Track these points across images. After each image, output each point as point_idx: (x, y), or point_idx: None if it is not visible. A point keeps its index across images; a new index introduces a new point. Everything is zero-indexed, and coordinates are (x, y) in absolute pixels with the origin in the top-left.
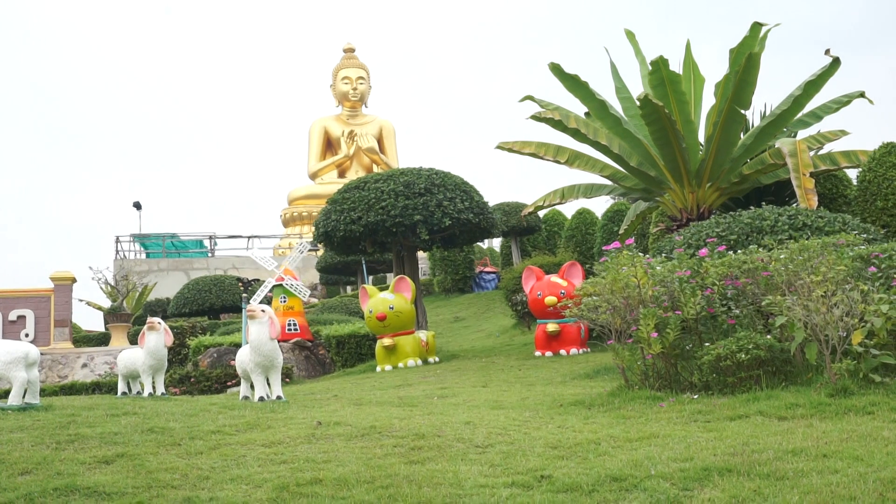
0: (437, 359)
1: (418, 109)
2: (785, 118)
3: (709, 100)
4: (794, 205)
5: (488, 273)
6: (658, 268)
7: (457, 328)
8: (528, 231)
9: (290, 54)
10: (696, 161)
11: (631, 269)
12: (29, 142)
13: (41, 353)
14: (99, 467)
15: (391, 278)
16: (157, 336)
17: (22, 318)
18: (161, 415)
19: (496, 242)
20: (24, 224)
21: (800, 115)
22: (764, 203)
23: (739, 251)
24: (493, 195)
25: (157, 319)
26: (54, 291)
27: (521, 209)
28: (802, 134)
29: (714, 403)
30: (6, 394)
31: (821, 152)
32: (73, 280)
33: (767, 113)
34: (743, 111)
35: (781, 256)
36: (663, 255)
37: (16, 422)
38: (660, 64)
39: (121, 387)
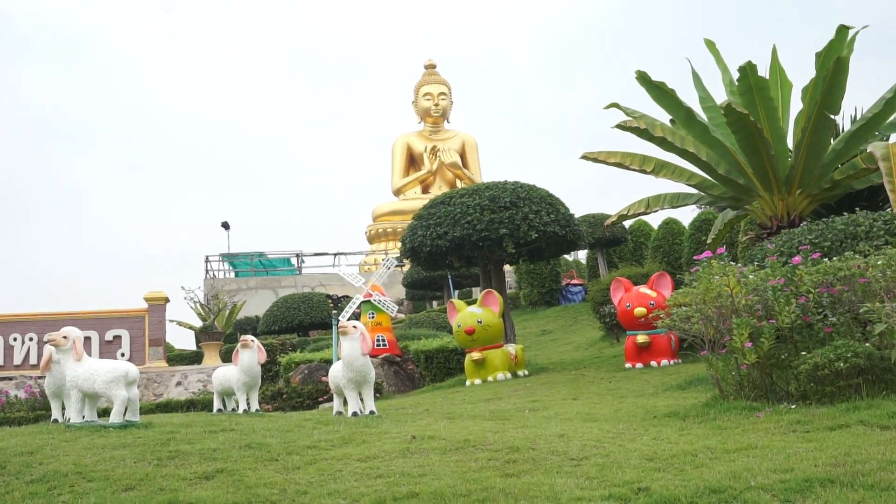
0: (526, 372)
1: (499, 123)
2: (876, 122)
3: (796, 105)
4: (889, 209)
5: (575, 285)
6: (751, 276)
7: (544, 341)
8: (615, 242)
9: (373, 72)
10: (786, 168)
11: (723, 279)
12: (121, 167)
13: None
14: (200, 483)
15: (477, 292)
16: (251, 353)
17: (118, 338)
18: (257, 431)
19: (582, 254)
20: (117, 246)
21: (892, 118)
22: (857, 209)
23: (834, 258)
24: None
25: (250, 337)
26: (148, 311)
27: (606, 220)
28: (895, 137)
29: (813, 413)
30: (107, 412)
31: None
32: (167, 300)
33: (858, 117)
34: (833, 116)
35: (879, 262)
36: (755, 263)
37: (118, 439)
38: (748, 70)
39: (216, 404)
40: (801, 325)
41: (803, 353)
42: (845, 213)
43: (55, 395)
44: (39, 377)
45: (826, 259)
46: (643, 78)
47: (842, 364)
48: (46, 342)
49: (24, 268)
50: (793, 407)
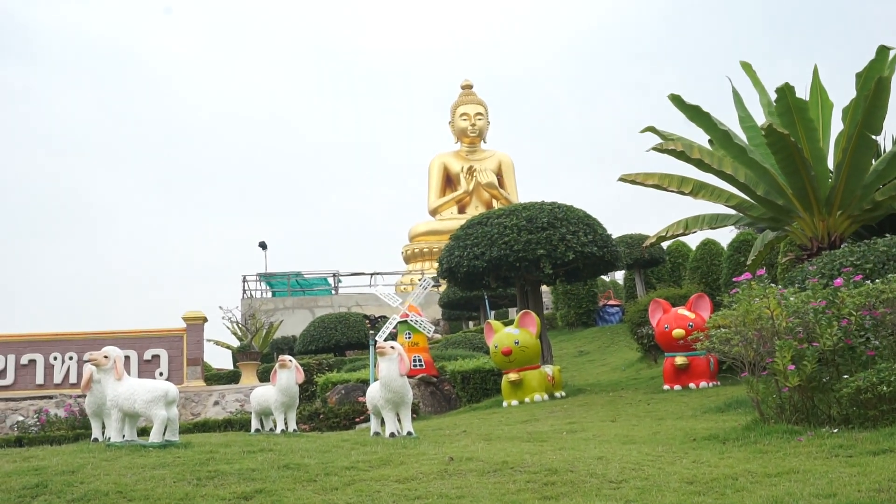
0: (563, 393)
1: (535, 143)
2: None
3: (837, 125)
4: None
5: (612, 306)
6: (791, 299)
7: (581, 362)
8: (652, 263)
9: (411, 91)
10: (826, 189)
11: (763, 301)
12: (158, 184)
13: None
14: (239, 503)
15: (513, 313)
16: (289, 373)
17: (156, 357)
18: (296, 451)
19: (619, 275)
20: (155, 266)
21: None
22: None
23: (877, 280)
24: (615, 227)
25: (288, 357)
26: (186, 331)
27: (644, 241)
28: None
29: (855, 437)
30: (146, 431)
31: None
32: (205, 319)
33: None
34: (874, 136)
35: None
36: (795, 285)
37: (157, 458)
38: (786, 91)
39: (254, 424)
40: (844, 348)
41: (845, 376)
42: (887, 235)
43: (95, 415)
44: (80, 396)
45: (868, 281)
46: (677, 100)
47: (885, 388)
48: (87, 361)
49: (63, 287)
50: (835, 431)
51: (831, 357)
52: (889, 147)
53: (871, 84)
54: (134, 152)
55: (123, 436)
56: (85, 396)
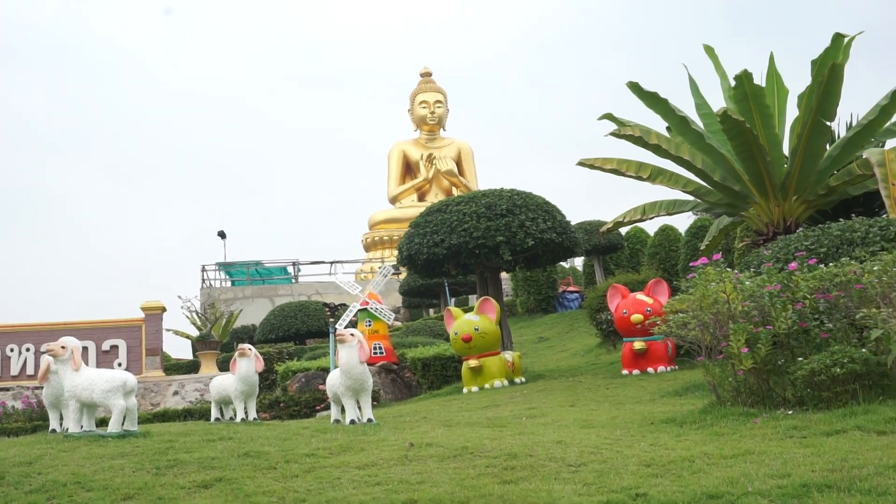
0: (523, 379)
1: (494, 130)
2: (872, 128)
3: (793, 112)
4: (885, 215)
5: (571, 292)
6: (747, 283)
7: (541, 348)
8: (611, 249)
9: (369, 79)
10: (782, 174)
11: (720, 285)
12: (115, 174)
13: None
14: (198, 492)
15: (473, 300)
16: (249, 362)
17: (115, 347)
18: (256, 439)
19: (578, 261)
20: (113, 256)
21: (887, 124)
22: (853, 215)
23: (830, 264)
24: (573, 214)
25: (247, 346)
26: (145, 321)
27: (602, 227)
28: (890, 143)
29: (809, 419)
30: (105, 421)
31: None
32: (164, 309)
33: (854, 123)
34: (828, 123)
35: (875, 268)
36: (751, 269)
37: (116, 448)
38: (743, 78)
39: (214, 413)
40: (798, 331)
41: (800, 358)
42: (841, 220)
43: (53, 406)
44: (37, 387)
45: (822, 265)
46: (635, 87)
47: (838, 370)
48: (44, 352)
49: (18, 278)
50: (790, 413)
51: (786, 340)
52: (843, 133)
53: (825, 71)
54: (86, 140)
55: (81, 426)
56: (42, 388)
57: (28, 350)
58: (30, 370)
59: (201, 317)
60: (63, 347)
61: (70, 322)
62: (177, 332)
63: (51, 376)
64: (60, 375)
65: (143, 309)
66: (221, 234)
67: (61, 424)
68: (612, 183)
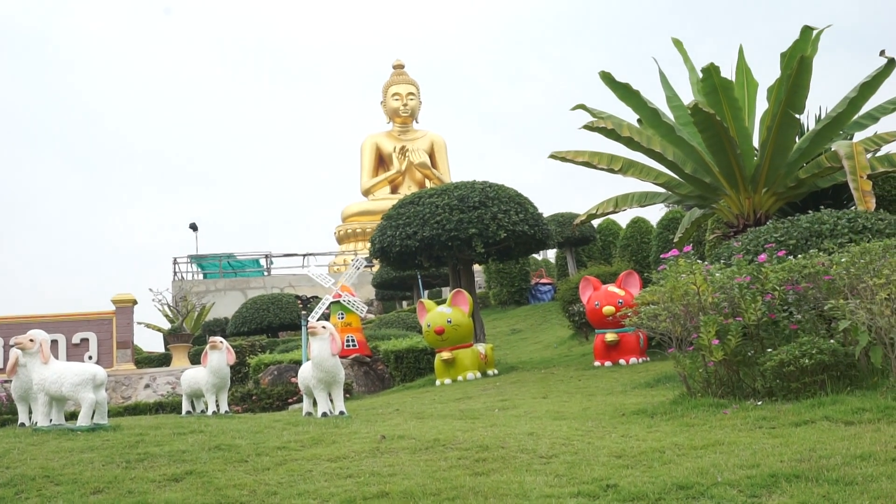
0: (495, 371)
1: (467, 123)
2: (840, 121)
3: (762, 104)
4: (853, 208)
5: (544, 284)
6: (717, 274)
7: (514, 340)
8: (583, 241)
9: (342, 71)
10: (752, 167)
11: (690, 277)
12: (85, 167)
13: None
14: (169, 485)
15: (446, 292)
16: (220, 355)
17: (85, 340)
18: (227, 432)
19: (551, 254)
20: (83, 249)
21: (856, 117)
22: (822, 207)
23: (799, 256)
24: (546, 206)
25: (219, 338)
26: (116, 314)
27: (574, 219)
28: (859, 136)
29: (778, 409)
30: (75, 415)
31: (878, 154)
32: (134, 302)
33: (822, 116)
34: (797, 115)
35: (843, 260)
36: (721, 261)
37: (86, 442)
38: (711, 71)
39: (185, 406)
40: (767, 323)
41: (769, 350)
42: (810, 212)
43: (22, 399)
44: (6, 381)
45: (791, 257)
46: (608, 78)
47: (807, 361)
48: (13, 346)
49: None
50: (759, 403)
51: (755, 331)
52: (812, 126)
53: (794, 63)
54: (54, 132)
55: (50, 420)
56: (11, 381)
57: None
58: None
59: (173, 309)
60: (31, 340)
61: (40, 315)
62: (148, 325)
63: (19, 369)
64: (29, 369)
65: (114, 302)
66: (193, 227)
67: (30, 418)
68: (584, 175)
